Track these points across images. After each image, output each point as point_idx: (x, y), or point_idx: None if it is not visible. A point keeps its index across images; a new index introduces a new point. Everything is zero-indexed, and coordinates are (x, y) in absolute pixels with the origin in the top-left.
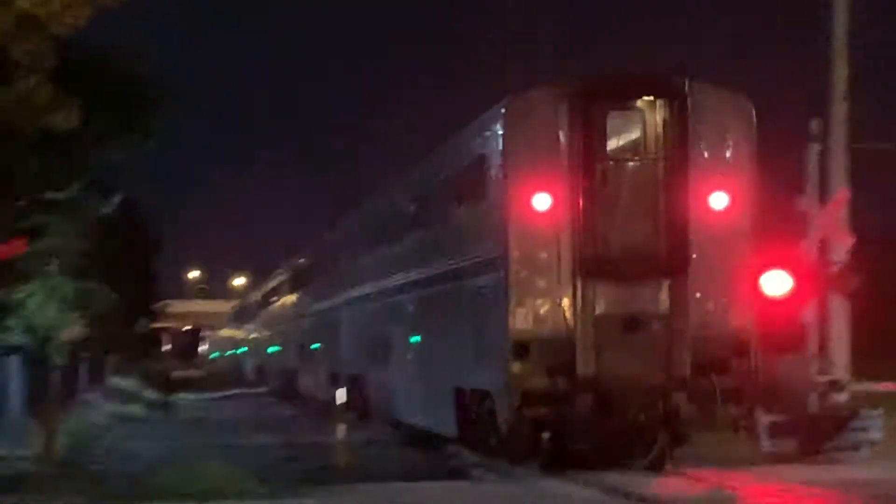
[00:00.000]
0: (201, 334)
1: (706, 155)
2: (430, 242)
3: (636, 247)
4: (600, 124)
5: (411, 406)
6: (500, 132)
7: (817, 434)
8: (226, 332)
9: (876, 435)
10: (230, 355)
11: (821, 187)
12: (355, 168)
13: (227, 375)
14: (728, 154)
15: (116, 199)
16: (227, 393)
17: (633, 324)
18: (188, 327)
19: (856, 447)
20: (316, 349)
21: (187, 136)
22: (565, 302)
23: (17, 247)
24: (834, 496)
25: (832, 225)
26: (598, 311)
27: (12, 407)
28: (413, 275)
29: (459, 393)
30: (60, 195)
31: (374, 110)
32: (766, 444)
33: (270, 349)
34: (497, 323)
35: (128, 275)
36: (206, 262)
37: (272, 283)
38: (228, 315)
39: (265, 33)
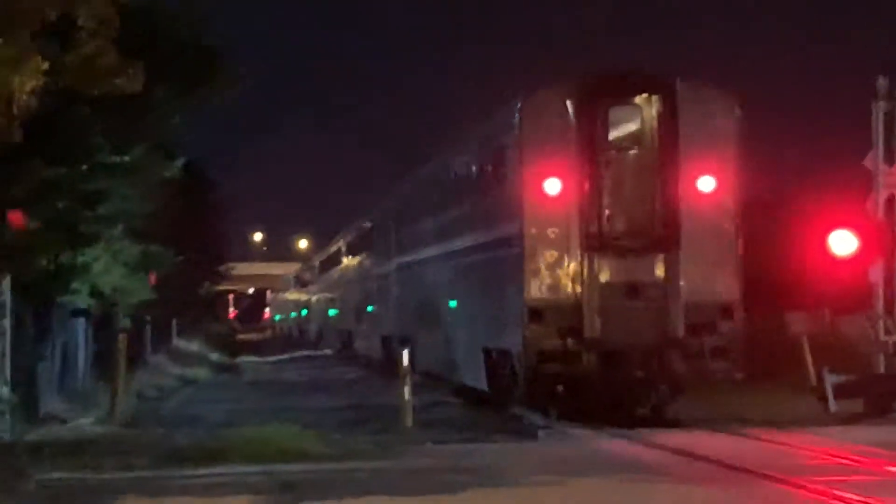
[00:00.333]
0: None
1: (695, 143)
2: (462, 218)
3: (635, 224)
4: (603, 118)
5: (450, 364)
6: (516, 125)
7: (884, 394)
8: (289, 295)
9: None
10: (293, 318)
11: (887, 145)
12: (418, 131)
13: (290, 338)
14: (714, 142)
15: (180, 161)
16: (291, 355)
17: (632, 292)
18: (252, 290)
19: None
20: (370, 312)
21: (250, 98)
22: (573, 273)
23: (17, 219)
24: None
25: None
26: (602, 281)
27: (78, 370)
28: (450, 246)
29: (487, 352)
30: (124, 159)
31: (438, 73)
32: (832, 405)
33: (331, 312)
34: (515, 291)
35: (192, 237)
36: (270, 224)
37: (332, 248)
38: (291, 278)
39: None
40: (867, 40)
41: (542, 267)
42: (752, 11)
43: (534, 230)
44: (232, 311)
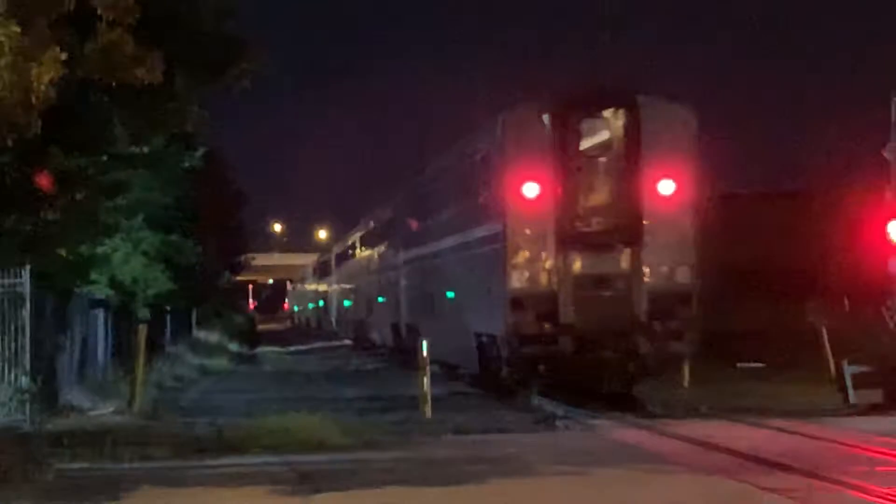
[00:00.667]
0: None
1: (655, 151)
2: (456, 217)
3: (603, 223)
4: (575, 129)
5: (448, 349)
6: (499, 136)
7: None
8: (308, 286)
9: None
10: (313, 308)
11: None
12: (437, 122)
13: (310, 328)
14: (673, 150)
15: (200, 152)
16: (311, 346)
17: (601, 282)
18: (272, 280)
19: None
20: (381, 303)
21: (271, 89)
22: (550, 266)
23: (45, 182)
24: None
25: None
26: (575, 273)
27: (98, 360)
28: (447, 242)
29: (479, 337)
30: (144, 149)
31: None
32: (852, 396)
33: (346, 302)
34: (499, 283)
35: (212, 228)
36: (290, 215)
37: (349, 240)
38: (310, 268)
39: None
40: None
41: (523, 261)
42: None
43: (514, 228)
44: (252, 302)
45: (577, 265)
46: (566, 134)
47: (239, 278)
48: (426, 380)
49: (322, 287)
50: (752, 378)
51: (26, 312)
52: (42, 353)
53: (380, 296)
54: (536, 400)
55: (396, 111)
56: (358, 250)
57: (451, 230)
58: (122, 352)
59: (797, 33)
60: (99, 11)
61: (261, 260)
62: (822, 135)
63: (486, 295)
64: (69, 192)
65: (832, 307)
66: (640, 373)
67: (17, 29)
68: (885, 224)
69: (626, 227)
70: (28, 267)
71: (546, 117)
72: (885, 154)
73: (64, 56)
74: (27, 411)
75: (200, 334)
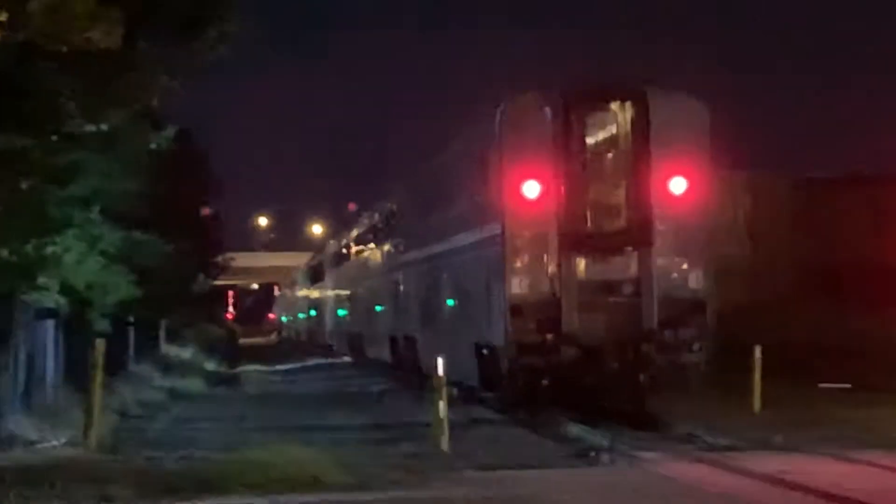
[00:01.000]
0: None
1: (666, 147)
2: (455, 218)
3: (610, 225)
4: (579, 125)
5: (448, 362)
6: (497, 131)
7: None
8: (299, 292)
9: None
10: (304, 318)
11: None
12: (447, 100)
13: (300, 342)
14: (685, 145)
15: (169, 131)
16: (303, 363)
17: (608, 288)
18: (256, 285)
19: None
20: (378, 312)
21: (252, 57)
22: (552, 271)
23: None
24: None
25: None
26: (579, 278)
27: (46, 382)
28: (446, 245)
29: (479, 348)
30: (101, 127)
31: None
32: None
33: (340, 312)
34: (498, 289)
35: (184, 222)
36: (278, 206)
37: (345, 238)
38: (302, 271)
39: None
40: None
41: (523, 266)
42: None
43: (514, 231)
44: (231, 311)
45: (582, 270)
46: (570, 128)
47: (217, 283)
48: (442, 404)
49: (314, 293)
50: (835, 401)
51: None
52: None
53: (376, 304)
54: (575, 428)
55: (401, 90)
56: (354, 251)
57: (449, 232)
58: (75, 372)
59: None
60: None
61: (243, 261)
62: None
63: (485, 303)
64: (10, 180)
65: None
66: (651, 386)
67: None
68: None
69: (635, 229)
70: None
71: (548, 110)
72: None
73: (2, 16)
74: None
75: (170, 350)
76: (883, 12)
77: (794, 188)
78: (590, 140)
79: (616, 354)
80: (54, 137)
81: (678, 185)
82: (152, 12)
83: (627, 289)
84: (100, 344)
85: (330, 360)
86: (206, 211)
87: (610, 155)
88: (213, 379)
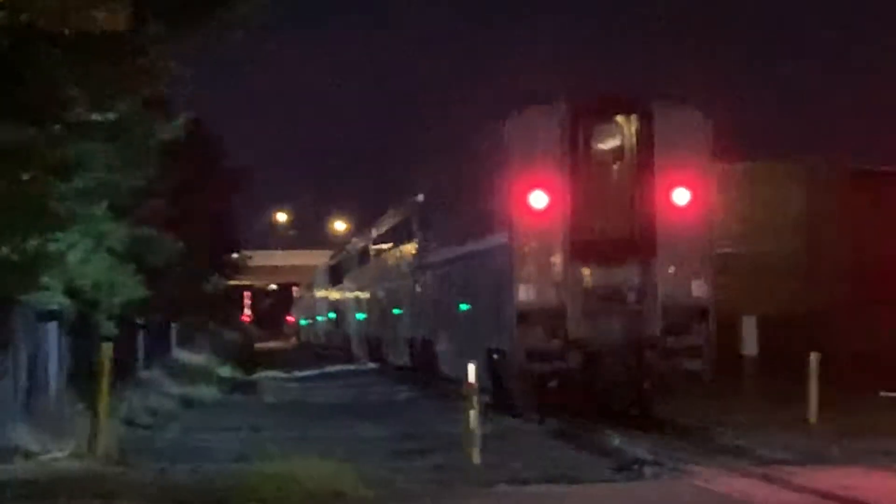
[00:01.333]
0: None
1: (670, 158)
2: (468, 225)
3: (615, 234)
4: (586, 136)
5: (463, 367)
6: (505, 143)
7: None
8: (318, 293)
9: None
10: (323, 321)
11: None
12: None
13: (319, 347)
14: (688, 156)
15: (180, 120)
16: (323, 370)
17: (613, 295)
18: (274, 286)
19: None
20: (397, 315)
21: (272, 42)
22: (559, 279)
23: None
24: None
25: None
26: (585, 286)
27: (49, 388)
28: (460, 250)
29: (490, 353)
30: (107, 116)
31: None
32: None
33: (359, 315)
34: (506, 296)
35: (197, 218)
36: (299, 201)
37: (365, 238)
38: (321, 271)
39: None
40: None
41: (530, 274)
42: None
43: (522, 240)
44: (248, 314)
45: (587, 278)
46: (576, 140)
47: (232, 283)
48: (473, 414)
49: (334, 295)
50: (880, 407)
51: None
52: None
53: (394, 308)
54: (616, 440)
55: (431, 84)
56: (372, 253)
57: (461, 239)
58: (80, 378)
59: None
60: None
61: (260, 259)
62: None
63: (495, 309)
64: (11, 172)
65: None
66: (658, 392)
67: None
68: None
69: (639, 238)
70: None
71: (555, 122)
72: None
73: None
74: None
75: (182, 355)
76: None
77: (854, 179)
78: (595, 151)
79: (620, 360)
80: (57, 127)
81: (681, 196)
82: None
83: (632, 296)
84: (106, 348)
85: (351, 367)
86: (221, 206)
87: (615, 166)
88: (228, 386)
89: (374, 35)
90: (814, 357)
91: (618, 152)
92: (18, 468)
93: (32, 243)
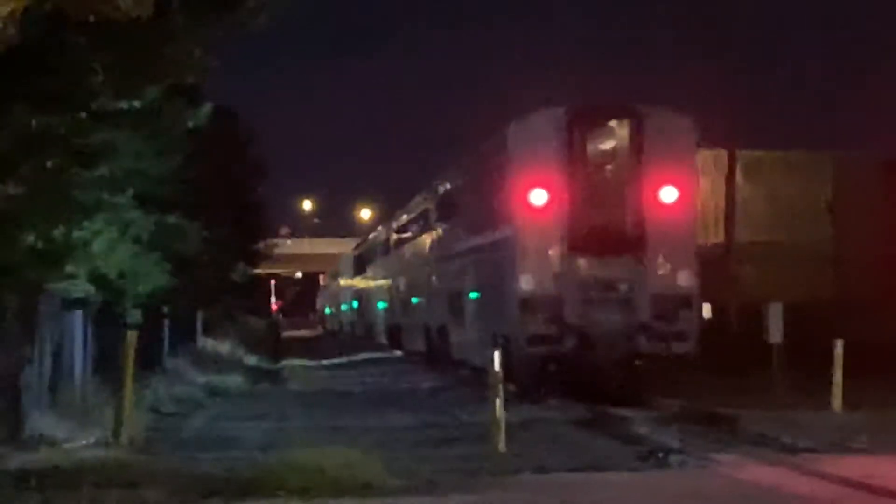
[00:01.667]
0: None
1: (658, 160)
2: (477, 219)
3: (608, 229)
4: (582, 140)
5: (473, 351)
6: (509, 146)
7: None
8: (343, 281)
9: None
10: (346, 310)
11: None
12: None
13: (351, 336)
14: (675, 159)
15: (206, 108)
16: (350, 358)
17: (606, 285)
18: (300, 274)
19: None
20: (415, 304)
21: (296, 29)
22: (557, 270)
23: None
24: None
25: None
26: (581, 277)
27: (74, 377)
28: (470, 243)
29: (496, 338)
30: (133, 104)
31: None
32: None
33: (380, 304)
34: (510, 285)
35: (223, 206)
36: (325, 189)
37: (388, 227)
38: (346, 260)
39: None
40: None
41: (531, 265)
42: None
43: (524, 234)
44: (275, 302)
45: (583, 269)
46: (573, 143)
47: (258, 271)
48: (499, 402)
49: (358, 284)
50: None
51: None
52: (3, 368)
53: (413, 297)
54: (644, 428)
55: (459, 74)
56: (392, 244)
57: (471, 233)
58: (105, 366)
59: None
60: None
61: (287, 247)
62: None
63: (500, 297)
64: (36, 160)
65: None
66: (647, 373)
67: None
68: None
69: (630, 233)
70: None
71: (554, 127)
72: None
73: None
74: None
75: (208, 343)
76: None
77: (883, 169)
78: (591, 153)
79: (613, 344)
80: (82, 115)
81: (669, 194)
82: None
83: (624, 286)
84: (132, 336)
85: (377, 355)
86: (248, 194)
87: (609, 167)
88: (254, 374)
89: (405, 23)
90: (839, 345)
91: (611, 154)
92: (43, 456)
93: (58, 231)
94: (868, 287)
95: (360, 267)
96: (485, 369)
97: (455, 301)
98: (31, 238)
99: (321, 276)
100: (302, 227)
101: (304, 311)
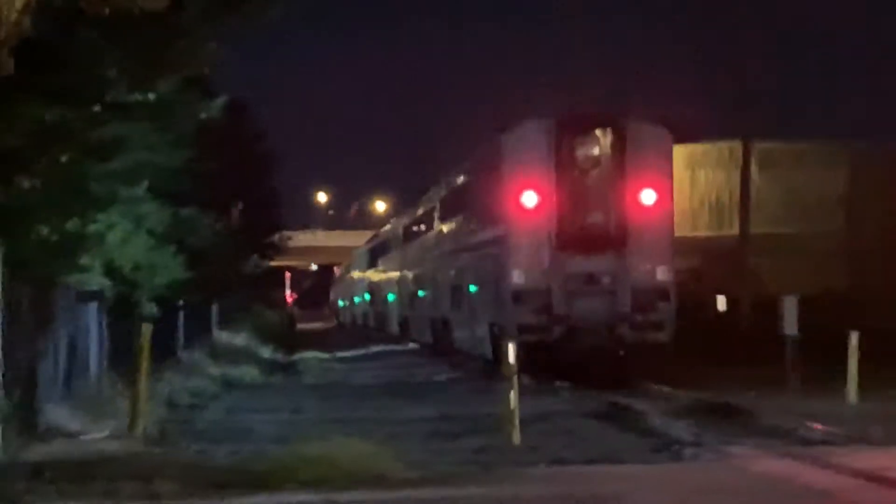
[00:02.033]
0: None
1: (638, 166)
2: (474, 218)
3: (593, 228)
4: (569, 147)
5: (471, 340)
6: (502, 152)
7: None
8: (355, 274)
9: None
10: (359, 303)
11: None
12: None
13: (364, 328)
14: (653, 164)
15: (220, 101)
16: (365, 350)
17: (591, 279)
18: (315, 266)
19: None
20: (422, 297)
21: (318, 27)
22: (546, 265)
23: None
24: None
25: None
26: (568, 271)
27: (89, 369)
28: (470, 239)
29: (491, 327)
30: (147, 97)
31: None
32: None
33: (390, 297)
34: (503, 279)
35: (237, 199)
36: (339, 181)
37: (400, 221)
38: (360, 252)
39: None
40: None
41: (522, 260)
42: None
43: (516, 232)
44: (289, 294)
45: (570, 265)
46: (561, 149)
47: (272, 264)
48: (513, 395)
49: (370, 277)
50: None
51: None
52: (18, 361)
53: (419, 290)
54: (658, 420)
55: (472, 67)
56: (400, 240)
57: (470, 231)
58: (120, 359)
59: None
60: None
61: (301, 240)
62: None
63: (495, 291)
64: (51, 153)
65: None
66: (629, 359)
67: None
68: None
69: (613, 232)
70: None
71: (544, 135)
72: None
73: None
74: None
75: (223, 336)
76: None
77: None
78: (577, 159)
79: (597, 333)
80: (97, 108)
81: (648, 197)
82: None
83: (606, 280)
84: (146, 329)
85: (391, 348)
86: (262, 187)
87: (594, 171)
88: (269, 367)
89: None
90: (854, 336)
91: (596, 160)
92: (58, 448)
93: (72, 224)
94: (883, 278)
95: (372, 260)
96: (485, 358)
97: (457, 294)
98: (45, 230)
99: (335, 269)
100: (317, 220)
101: (319, 304)
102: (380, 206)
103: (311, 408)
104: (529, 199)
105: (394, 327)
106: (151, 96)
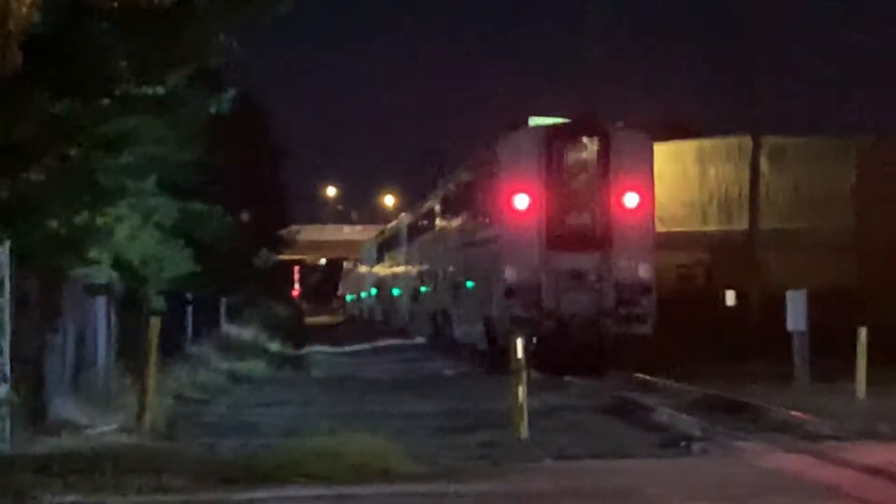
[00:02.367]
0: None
1: (622, 171)
2: (472, 218)
3: (580, 229)
4: (559, 153)
5: (469, 332)
6: (496, 158)
7: None
8: (362, 268)
9: None
10: (366, 297)
11: None
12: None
13: (371, 322)
14: (636, 169)
15: (229, 94)
16: (373, 344)
17: (578, 276)
18: (324, 260)
19: None
20: (424, 292)
21: (328, 21)
22: (536, 263)
23: None
24: None
25: None
26: (556, 269)
27: (97, 363)
28: (468, 237)
29: (486, 320)
30: (156, 90)
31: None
32: None
33: (395, 291)
34: (497, 275)
35: (246, 193)
36: (348, 175)
37: (406, 216)
38: (368, 247)
39: None
40: None
41: (515, 258)
42: None
43: (509, 232)
44: (297, 288)
45: (559, 262)
46: (551, 156)
47: (281, 257)
48: (521, 389)
49: (376, 272)
50: None
51: (5, 301)
52: (26, 354)
53: (422, 286)
54: (665, 415)
55: (483, 62)
56: (406, 234)
57: (467, 230)
58: (128, 352)
59: None
60: None
61: (309, 234)
62: None
63: (489, 286)
64: (59, 147)
65: None
66: (615, 351)
67: None
68: None
69: (599, 232)
70: (7, 243)
71: (535, 142)
72: None
73: None
74: (6, 429)
75: (231, 330)
76: None
77: None
78: (566, 164)
79: (583, 326)
80: (105, 101)
81: (631, 200)
82: None
83: (592, 277)
84: (155, 323)
85: (400, 342)
86: (271, 180)
87: (581, 176)
88: (277, 361)
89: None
90: (862, 332)
91: (583, 165)
92: (66, 442)
93: (81, 217)
94: (892, 274)
95: (379, 255)
96: (481, 350)
97: (456, 290)
98: (53, 224)
99: (344, 263)
100: (325, 213)
101: (327, 298)
102: (388, 201)
103: (319, 402)
104: (521, 201)
105: (401, 322)
106: (160, 90)
